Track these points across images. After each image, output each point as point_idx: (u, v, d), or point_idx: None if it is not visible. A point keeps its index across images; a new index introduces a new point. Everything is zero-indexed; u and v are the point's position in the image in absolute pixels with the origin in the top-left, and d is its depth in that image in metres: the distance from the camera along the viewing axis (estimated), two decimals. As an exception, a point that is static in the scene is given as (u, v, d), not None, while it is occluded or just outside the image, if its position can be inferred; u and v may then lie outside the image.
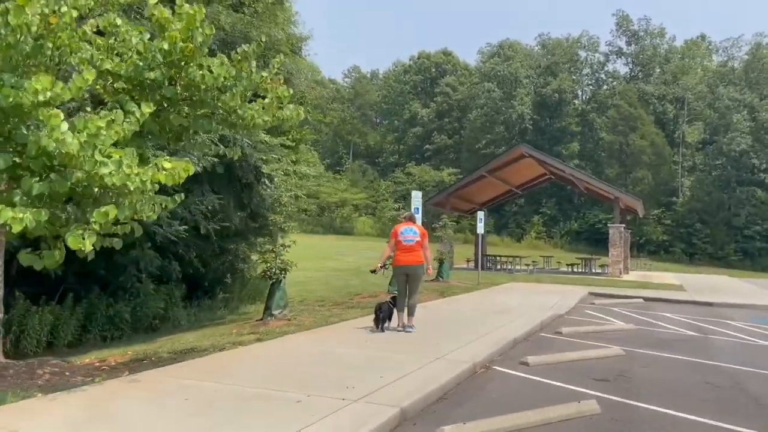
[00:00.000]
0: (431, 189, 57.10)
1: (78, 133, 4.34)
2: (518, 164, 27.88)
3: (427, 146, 76.94)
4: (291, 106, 6.78)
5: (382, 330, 8.89)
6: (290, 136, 16.76)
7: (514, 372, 6.99)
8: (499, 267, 29.30)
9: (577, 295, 16.16)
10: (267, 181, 11.11)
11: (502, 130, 70.69)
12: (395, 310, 9.24)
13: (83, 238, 4.52)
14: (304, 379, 5.83)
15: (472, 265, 28.36)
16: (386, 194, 71.35)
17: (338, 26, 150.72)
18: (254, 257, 18.90)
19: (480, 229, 18.93)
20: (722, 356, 8.53)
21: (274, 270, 10.39)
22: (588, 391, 6.18)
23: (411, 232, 9.19)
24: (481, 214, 18.91)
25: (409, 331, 8.89)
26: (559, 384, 6.46)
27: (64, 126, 4.22)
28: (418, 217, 14.10)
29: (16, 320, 9.11)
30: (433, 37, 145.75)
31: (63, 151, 4.36)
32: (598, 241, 56.74)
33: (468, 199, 30.91)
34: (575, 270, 28.42)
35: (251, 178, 11.43)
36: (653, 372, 7.34)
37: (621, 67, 73.85)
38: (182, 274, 14.11)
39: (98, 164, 4.57)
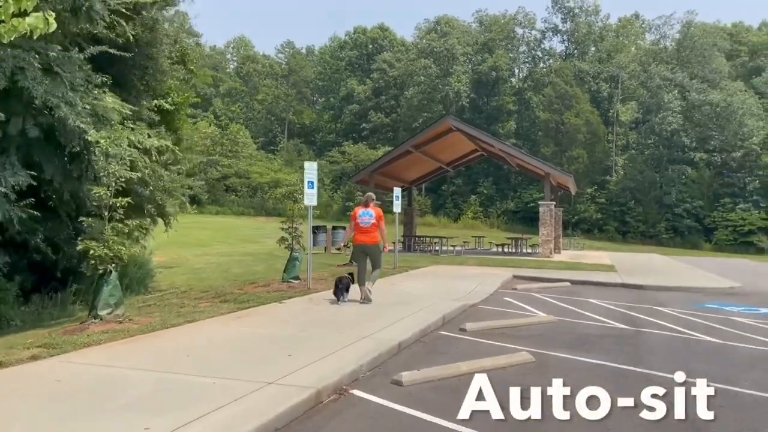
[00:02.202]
0: (365, 168, 54.98)
1: None
2: (447, 139, 26.04)
3: (364, 125, 74.60)
4: (39, 14, 4.51)
5: (340, 302, 9.65)
6: (169, 100, 14.25)
7: (375, 399, 4.98)
8: (429, 248, 27.55)
9: (499, 280, 14.44)
10: (95, 151, 8.64)
11: (439, 108, 69.06)
12: (354, 285, 10.04)
13: None
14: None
15: (401, 246, 26.57)
16: (321, 174, 68.71)
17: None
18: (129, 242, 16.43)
19: (396, 207, 16.95)
20: (657, 360, 6.81)
21: (102, 259, 8.03)
22: (467, 430, 4.24)
23: (367, 215, 9.98)
24: (397, 192, 16.93)
25: (366, 304, 9.55)
26: (430, 419, 4.50)
27: None
28: (314, 192, 11.97)
29: None
30: (370, 12, 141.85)
31: None
32: (533, 220, 55.92)
33: (395, 176, 28.95)
34: (505, 251, 26.99)
35: (78, 146, 8.97)
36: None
37: (557, 44, 73.37)
38: (27, 262, 11.59)
39: None
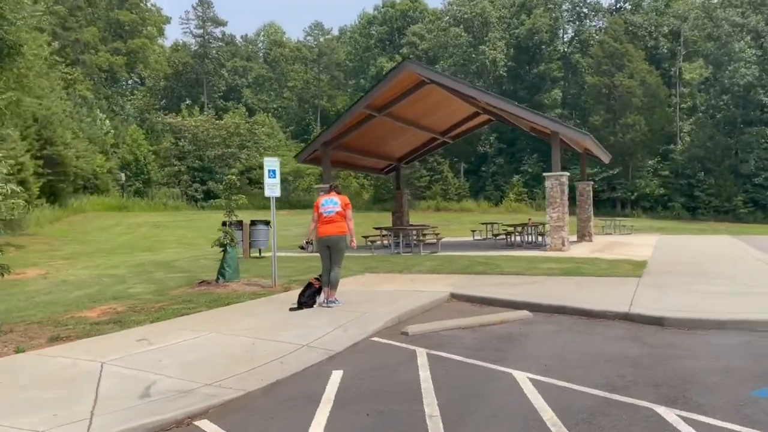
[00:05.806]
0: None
1: None
2: (422, 96, 19.43)
3: (394, 104, 68.09)
4: None
5: (309, 306, 8.43)
6: None
7: None
8: (414, 242, 20.88)
9: (401, 309, 8.05)
10: None
11: (475, 80, 61.70)
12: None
13: None
14: None
15: (387, 242, 20.38)
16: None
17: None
18: None
19: (271, 190, 10.68)
20: None
21: None
22: None
23: (331, 203, 8.82)
24: (274, 164, 10.58)
25: (332, 306, 8.48)
26: None
27: None
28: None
29: None
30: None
31: None
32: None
33: (370, 151, 22.69)
34: (511, 241, 20.13)
35: None
36: None
37: (605, -2, 64.26)
38: None
39: None
